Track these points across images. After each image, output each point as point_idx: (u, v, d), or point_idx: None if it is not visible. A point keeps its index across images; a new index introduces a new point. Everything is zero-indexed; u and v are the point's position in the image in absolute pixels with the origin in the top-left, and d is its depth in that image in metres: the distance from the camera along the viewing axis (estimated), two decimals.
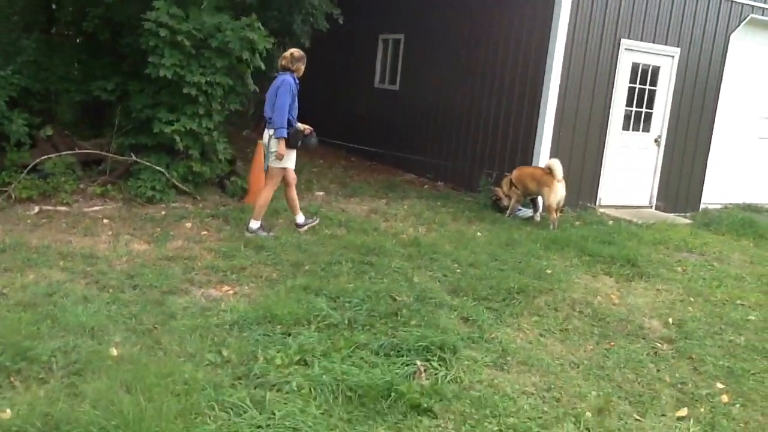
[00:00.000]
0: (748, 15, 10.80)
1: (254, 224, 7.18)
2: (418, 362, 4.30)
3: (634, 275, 7.14)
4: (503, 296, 5.97)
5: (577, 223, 9.42)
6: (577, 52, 9.63)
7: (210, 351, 4.34)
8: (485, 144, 10.85)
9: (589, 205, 10.24)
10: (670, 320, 5.91)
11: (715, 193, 11.50)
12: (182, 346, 4.38)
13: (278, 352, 4.34)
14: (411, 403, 3.84)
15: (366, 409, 3.78)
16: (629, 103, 10.41)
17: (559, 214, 9.02)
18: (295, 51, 7.24)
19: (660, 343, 5.42)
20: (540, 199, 9.28)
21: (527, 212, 9.61)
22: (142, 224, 7.16)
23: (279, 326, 4.79)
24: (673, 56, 10.47)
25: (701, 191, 11.30)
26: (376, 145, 13.57)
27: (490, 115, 10.71)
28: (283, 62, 7.13)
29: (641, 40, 10.10)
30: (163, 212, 7.65)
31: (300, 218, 7.57)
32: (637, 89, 10.42)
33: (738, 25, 10.80)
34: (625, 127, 10.46)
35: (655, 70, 10.48)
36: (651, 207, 10.90)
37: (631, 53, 10.12)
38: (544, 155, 9.68)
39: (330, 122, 13.87)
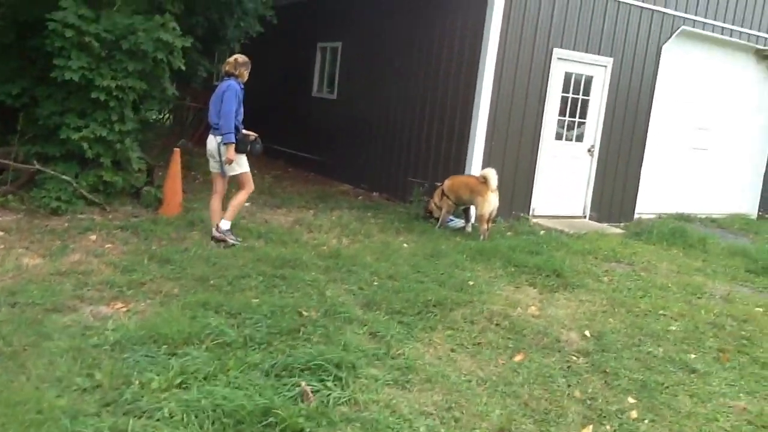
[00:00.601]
0: (680, 27, 10.87)
1: (225, 224, 7.21)
2: (303, 383, 3.99)
3: (559, 286, 6.97)
4: (418, 309, 5.72)
5: (509, 233, 9.27)
6: (509, 61, 9.51)
7: (81, 375, 3.95)
8: (418, 154, 10.66)
9: (522, 215, 10.11)
10: (589, 332, 5.73)
11: (649, 203, 11.51)
12: (50, 370, 3.99)
13: (157, 375, 3.99)
14: (292, 429, 3.53)
15: None
16: (562, 113, 10.34)
17: (491, 224, 8.85)
18: (239, 57, 7.19)
19: (576, 356, 5.23)
20: (472, 209, 9.10)
21: (459, 222, 9.42)
22: (41, 237, 6.70)
23: (165, 346, 4.43)
24: (605, 66, 10.46)
25: (635, 201, 11.29)
26: (315, 154, 13.32)
27: (424, 124, 10.54)
28: (227, 68, 7.11)
29: (574, 50, 10.06)
30: (67, 224, 7.19)
31: (225, 224, 7.25)
32: (570, 99, 10.36)
33: (670, 37, 10.86)
34: (559, 137, 10.39)
35: (588, 80, 10.45)
36: (585, 217, 10.84)
37: (564, 63, 10.06)
38: (476, 165, 9.52)
39: (269, 130, 13.57)
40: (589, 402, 4.41)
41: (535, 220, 10.10)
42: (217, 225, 7.22)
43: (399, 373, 4.50)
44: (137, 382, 3.91)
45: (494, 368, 4.81)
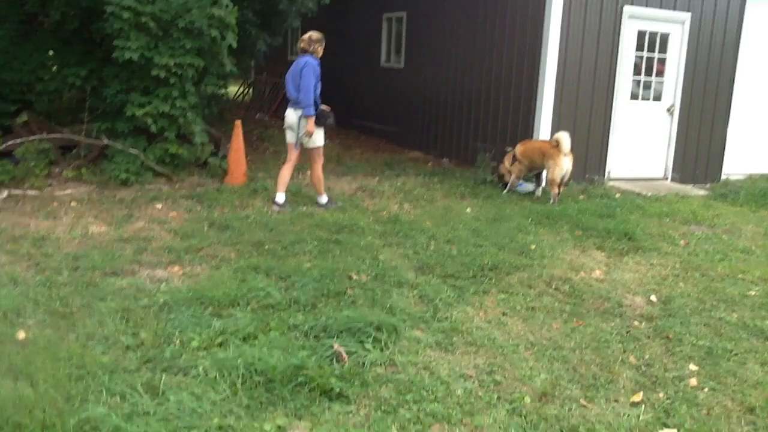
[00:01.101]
0: None
1: (322, 199, 7.63)
2: (336, 344, 3.93)
3: (629, 250, 6.63)
4: (473, 273, 5.57)
5: (581, 196, 8.89)
6: (575, 21, 9.05)
7: (126, 333, 4.06)
8: (487, 119, 10.36)
9: (597, 178, 9.68)
10: (655, 297, 5.40)
11: (739, 162, 10.77)
12: (99, 329, 4.11)
13: (198, 335, 4.04)
14: (322, 389, 3.48)
15: (270, 394, 3.44)
16: (637, 72, 9.77)
17: (563, 188, 8.52)
18: (314, 33, 7.32)
19: (638, 320, 4.94)
20: (545, 173, 8.79)
21: (528, 186, 9.11)
22: (110, 207, 6.96)
23: (210, 308, 4.48)
24: (683, 23, 9.78)
25: (721, 161, 10.59)
26: (385, 123, 13.24)
27: (491, 89, 10.22)
28: (302, 45, 7.27)
29: (646, 6, 9.45)
30: (135, 194, 7.43)
31: (280, 197, 7.47)
32: (645, 58, 9.77)
33: None
34: (634, 97, 9.83)
35: (665, 38, 9.81)
36: (666, 179, 10.26)
37: (636, 21, 9.48)
38: (544, 128, 9.17)
39: (340, 102, 13.59)
40: (644, 368, 4.14)
41: (611, 183, 9.65)
42: (274, 198, 7.38)
43: (443, 335, 4.38)
44: (178, 341, 3.98)
45: (546, 333, 4.60)
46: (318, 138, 7.39)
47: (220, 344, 3.97)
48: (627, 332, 4.70)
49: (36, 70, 8.27)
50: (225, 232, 6.33)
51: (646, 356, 4.33)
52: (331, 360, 3.85)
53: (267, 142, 12.20)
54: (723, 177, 10.60)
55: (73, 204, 6.96)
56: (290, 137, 7.50)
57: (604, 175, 9.77)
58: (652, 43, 9.75)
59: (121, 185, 7.67)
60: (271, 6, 9.36)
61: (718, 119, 10.40)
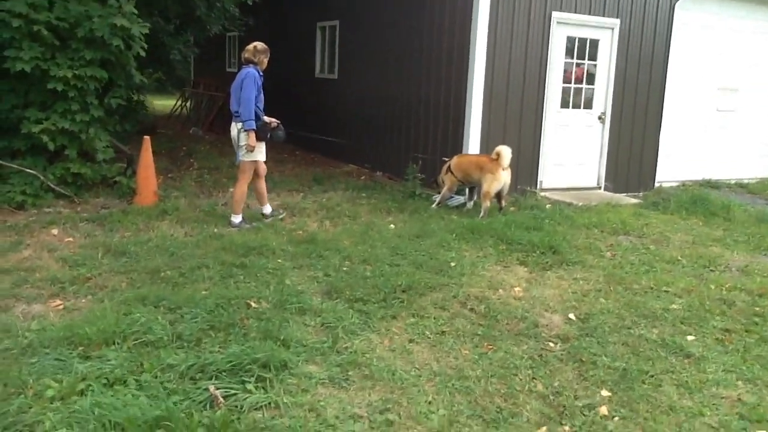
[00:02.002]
0: None
1: (236, 218, 7.20)
2: (212, 387, 3.53)
3: (553, 264, 6.37)
4: (383, 296, 5.21)
5: (512, 208, 8.65)
6: (503, 28, 8.85)
7: None
8: (418, 130, 10.09)
9: (529, 189, 9.47)
10: (574, 315, 5.14)
11: (672, 170, 10.72)
12: None
13: (57, 382, 3.58)
14: None
15: None
16: (567, 80, 9.61)
17: (504, 202, 8.28)
18: (258, 44, 7.17)
19: (553, 341, 4.66)
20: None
21: (459, 199, 8.84)
22: (0, 233, 6.42)
23: (81, 347, 4.02)
24: (612, 28, 9.68)
25: (654, 169, 10.51)
26: (322, 136, 12.89)
27: (421, 99, 9.95)
28: (246, 55, 7.11)
29: (575, 12, 9.31)
30: (31, 219, 6.90)
31: (267, 209, 7.55)
32: (574, 65, 9.62)
33: None
34: (565, 105, 9.67)
35: (594, 44, 9.69)
36: (600, 188, 10.12)
37: (565, 27, 9.33)
38: (474, 138, 8.92)
39: (278, 114, 13.18)
40: (552, 397, 3.84)
41: (543, 194, 9.44)
42: (230, 220, 7.22)
43: (339, 369, 4.01)
44: (32, 390, 3.52)
45: (453, 360, 4.28)
46: (256, 153, 7.13)
47: (81, 392, 3.52)
48: (539, 356, 4.41)
49: None
50: (120, 258, 5.86)
51: (556, 383, 4.03)
52: (206, 405, 3.45)
53: (194, 158, 11.71)
54: (656, 185, 10.52)
55: None
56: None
57: (536, 186, 9.56)
58: (581, 50, 9.61)
59: (17, 209, 7.11)
60: (187, 13, 8.91)
61: (650, 126, 10.33)
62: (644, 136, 10.29)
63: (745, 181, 11.29)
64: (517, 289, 5.66)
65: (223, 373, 3.74)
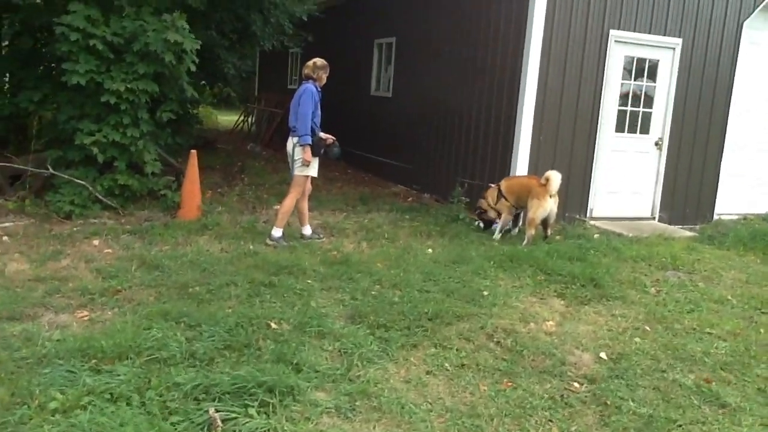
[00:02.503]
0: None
1: (276, 233, 7.19)
2: (212, 410, 3.49)
3: (592, 298, 6.11)
4: (408, 323, 5.08)
5: (558, 237, 8.39)
6: (558, 48, 8.62)
7: None
8: (467, 152, 9.95)
9: (578, 217, 9.17)
10: (606, 354, 4.89)
11: (734, 202, 10.20)
12: None
13: (63, 394, 3.62)
14: None
15: None
16: (624, 102, 9.30)
17: (550, 230, 8.04)
18: (318, 60, 7.23)
19: (579, 382, 4.43)
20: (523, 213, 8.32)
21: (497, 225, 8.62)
22: (43, 241, 6.61)
23: (94, 360, 4.06)
24: (674, 48, 9.32)
25: (714, 200, 10.02)
26: (374, 155, 12.90)
27: (472, 120, 9.81)
28: (306, 71, 7.20)
29: (634, 30, 9.00)
30: (76, 228, 7.09)
31: (307, 230, 7.55)
32: (632, 86, 9.31)
33: (752, 11, 9.54)
34: (620, 129, 9.34)
35: (654, 64, 9.35)
36: (654, 218, 9.71)
37: (623, 46, 9.03)
38: (521, 162, 8.71)
39: (334, 132, 13.29)
40: None
41: (593, 223, 9.13)
42: (270, 233, 7.22)
43: (347, 399, 3.91)
44: (36, 401, 3.55)
45: (469, 396, 4.12)
46: (310, 168, 7.16)
47: (84, 406, 3.54)
48: (561, 396, 4.20)
49: None
50: (153, 272, 5.94)
51: (573, 427, 3.83)
52: (204, 428, 3.41)
53: (245, 174, 11.88)
54: (716, 217, 10.02)
55: (5, 238, 6.63)
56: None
57: (586, 214, 9.26)
58: (640, 70, 9.29)
59: (65, 218, 7.34)
60: (244, 29, 9.07)
61: (711, 155, 9.87)
62: (704, 164, 9.84)
63: None
64: (549, 323, 5.44)
65: (227, 396, 3.70)
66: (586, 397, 4.22)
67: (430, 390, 4.16)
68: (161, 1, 7.81)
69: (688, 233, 9.11)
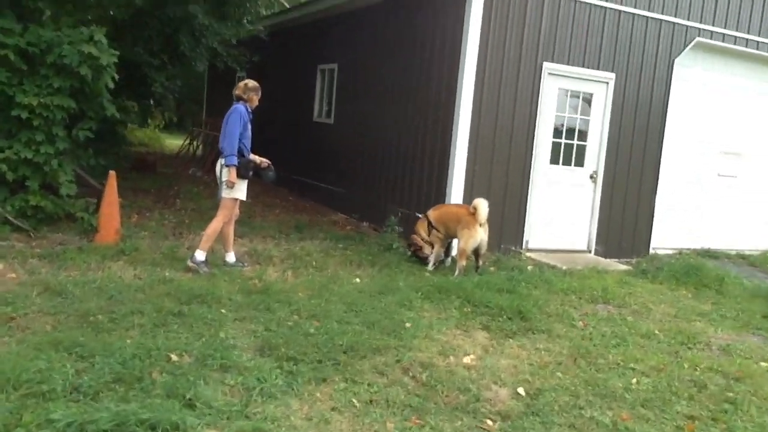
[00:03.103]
0: (695, 38, 9.74)
1: (199, 255, 6.91)
2: None
3: (517, 330, 5.96)
4: (320, 357, 4.83)
5: (492, 268, 8.27)
6: (491, 78, 8.60)
7: None
8: (402, 180, 9.82)
9: (513, 248, 9.09)
10: (524, 390, 4.71)
11: (669, 236, 10.28)
12: None
13: None
14: None
15: None
16: (557, 135, 9.32)
17: (481, 261, 7.90)
18: (249, 81, 7.14)
19: (492, 419, 4.23)
20: (455, 242, 8.16)
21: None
22: None
23: None
24: (607, 82, 9.41)
25: (649, 234, 10.08)
26: (318, 182, 12.68)
27: (408, 150, 9.70)
28: (237, 92, 7.08)
29: (568, 64, 9.06)
30: None
31: (230, 257, 7.30)
32: (566, 119, 9.34)
33: (683, 49, 9.73)
34: (555, 161, 9.34)
35: (588, 98, 9.41)
36: (590, 252, 9.70)
37: (557, 78, 9.07)
38: (456, 193, 8.61)
39: (276, 157, 13.04)
40: None
41: (528, 254, 9.04)
42: (193, 254, 6.96)
43: None
44: None
45: None
46: (237, 190, 6.95)
47: None
48: None
49: None
50: (55, 299, 5.56)
51: None
52: None
53: (180, 198, 11.52)
54: (651, 251, 10.06)
55: None
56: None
57: (521, 246, 9.18)
58: (574, 104, 9.34)
59: None
60: (173, 48, 8.81)
61: (645, 189, 9.95)
62: (639, 198, 9.90)
63: (747, 252, 10.78)
64: (470, 356, 5.25)
65: None
66: None
67: (332, 428, 3.90)
68: (84, 12, 7.51)
69: (623, 267, 9.10)
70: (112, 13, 7.59)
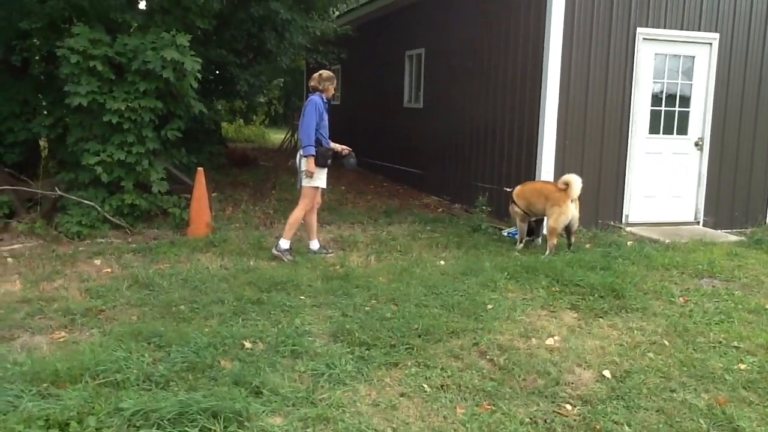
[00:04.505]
0: None
1: (284, 244, 7.03)
2: None
3: (609, 309, 5.60)
4: (394, 341, 4.73)
5: (588, 245, 7.85)
6: (580, 48, 8.16)
7: None
8: (492, 160, 9.53)
9: (612, 223, 8.60)
10: (610, 371, 4.41)
11: None
12: None
13: None
14: None
15: None
16: (657, 102, 8.69)
17: (573, 237, 7.54)
18: (324, 72, 7.17)
19: (571, 404, 3.98)
20: (546, 220, 7.83)
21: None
22: (45, 262, 6.56)
23: (45, 384, 3.89)
24: (710, 43, 8.67)
25: (765, 202, 9.24)
26: (408, 167, 12.63)
27: (496, 128, 9.40)
28: (312, 83, 7.13)
29: (665, 28, 8.42)
30: (81, 249, 7.05)
31: (314, 245, 7.36)
32: (665, 85, 8.70)
33: None
34: (654, 130, 8.73)
35: (689, 61, 8.72)
36: (698, 223, 9.02)
37: (653, 43, 8.46)
38: (546, 170, 8.25)
39: (368, 144, 13.18)
40: None
41: (629, 229, 8.54)
42: (277, 243, 7.08)
43: (301, 425, 3.59)
44: None
45: (440, 421, 3.73)
46: (316, 179, 7.02)
47: None
48: (545, 420, 3.76)
49: (6, 120, 8.12)
50: (143, 291, 5.79)
51: None
52: None
53: (277, 190, 11.75)
54: None
55: (9, 260, 6.63)
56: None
57: (621, 220, 8.67)
58: (674, 69, 8.68)
59: (74, 239, 7.31)
60: (258, 46, 8.96)
61: (759, 153, 9.12)
62: (752, 164, 9.09)
63: None
64: (554, 338, 4.98)
65: (166, 422, 3.44)
66: (574, 421, 3.77)
67: (399, 414, 3.79)
68: (170, 23, 7.77)
69: (734, 238, 8.40)
70: (198, 24, 7.77)
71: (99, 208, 7.40)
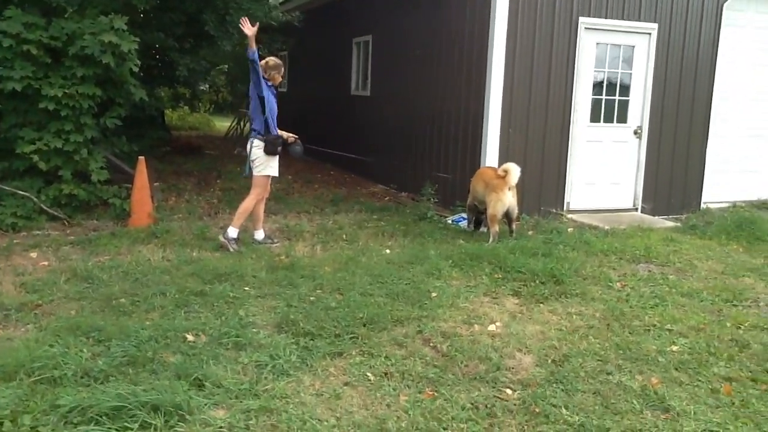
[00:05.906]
0: None
1: (232, 232, 6.96)
2: None
3: (550, 295, 5.73)
4: (339, 330, 4.75)
5: (530, 232, 8.01)
6: (524, 38, 8.28)
7: None
8: (438, 148, 9.60)
9: (554, 210, 8.78)
10: (550, 357, 4.52)
11: (723, 190, 9.78)
12: None
13: None
14: None
15: None
16: (598, 91, 8.89)
17: (515, 225, 7.65)
18: (270, 59, 7.08)
19: (511, 388, 4.06)
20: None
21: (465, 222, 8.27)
22: None
23: None
24: (649, 33, 8.89)
25: (700, 188, 9.58)
26: (356, 155, 12.61)
27: (443, 116, 9.47)
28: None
29: (606, 17, 8.60)
30: (17, 241, 6.83)
31: (259, 234, 7.30)
32: (606, 74, 8.90)
33: None
34: (595, 119, 8.93)
35: (628, 51, 8.93)
36: (636, 210, 9.28)
37: (595, 33, 8.63)
38: (491, 156, 8.36)
39: (316, 132, 13.11)
40: None
41: (570, 216, 8.73)
42: (225, 231, 7.01)
43: (245, 416, 3.57)
44: None
45: (384, 408, 3.76)
46: (267, 167, 6.95)
47: None
48: (486, 405, 3.83)
49: None
50: (82, 284, 5.65)
51: None
52: None
53: (221, 180, 11.60)
54: (703, 206, 9.58)
55: None
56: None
57: (562, 207, 8.86)
58: (614, 58, 8.88)
59: (10, 231, 7.08)
60: (199, 29, 8.76)
61: (695, 141, 9.43)
62: (688, 152, 9.40)
63: None
64: (496, 324, 5.08)
65: (104, 417, 3.38)
66: (514, 405, 3.85)
67: (342, 403, 3.81)
68: (106, 4, 7.55)
69: (670, 224, 8.68)
70: (134, 2, 7.55)
71: (35, 199, 7.17)
